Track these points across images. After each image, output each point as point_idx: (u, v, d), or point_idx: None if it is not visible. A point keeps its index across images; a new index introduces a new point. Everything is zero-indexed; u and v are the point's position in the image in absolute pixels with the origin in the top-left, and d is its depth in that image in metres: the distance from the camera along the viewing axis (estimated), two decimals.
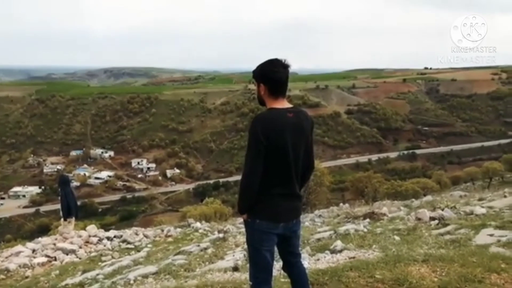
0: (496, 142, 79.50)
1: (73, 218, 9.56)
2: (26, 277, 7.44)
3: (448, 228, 6.13)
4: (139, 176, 76.02)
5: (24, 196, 68.04)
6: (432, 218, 6.94)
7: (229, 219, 13.98)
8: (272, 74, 2.66)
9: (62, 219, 9.53)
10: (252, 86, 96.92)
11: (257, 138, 2.54)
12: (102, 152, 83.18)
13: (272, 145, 2.56)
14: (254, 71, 2.75)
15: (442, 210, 7.45)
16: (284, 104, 2.70)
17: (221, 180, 69.50)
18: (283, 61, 2.67)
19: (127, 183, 73.43)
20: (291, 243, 2.86)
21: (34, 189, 69.26)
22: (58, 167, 76.73)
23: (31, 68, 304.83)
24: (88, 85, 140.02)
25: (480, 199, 9.23)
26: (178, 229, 10.48)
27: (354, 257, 5.01)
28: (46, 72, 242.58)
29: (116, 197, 67.73)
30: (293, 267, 2.92)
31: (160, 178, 74.94)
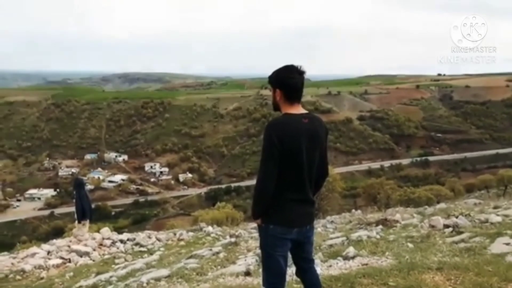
0: (511, 150, 78.09)
1: (87, 221, 9.69)
2: (41, 278, 7.57)
3: (463, 236, 6.05)
4: (152, 180, 76.58)
5: (39, 198, 69.12)
6: (446, 226, 6.86)
7: (240, 223, 14.02)
8: (288, 80, 2.68)
9: (76, 222, 9.66)
10: (264, 92, 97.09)
11: (272, 143, 2.57)
12: (116, 156, 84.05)
13: (287, 151, 2.58)
14: (270, 77, 2.77)
15: (457, 217, 7.35)
16: (299, 110, 2.72)
17: (233, 185, 69.67)
18: (298, 67, 2.70)
19: (140, 187, 74.03)
20: (305, 249, 2.87)
21: (49, 192, 70.37)
22: (73, 170, 77.79)
23: (48, 73, 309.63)
24: (103, 90, 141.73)
25: (495, 207, 9.07)
26: (190, 233, 10.55)
27: (367, 264, 4.99)
28: (62, 77, 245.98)
29: (129, 200, 68.37)
30: (306, 272, 2.93)
31: (172, 182, 75.38)
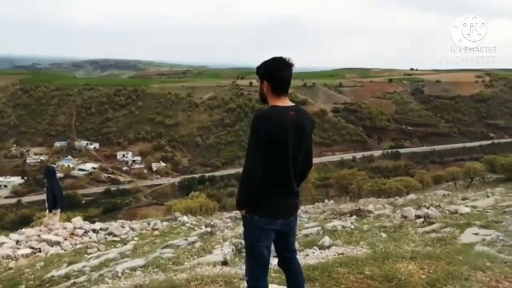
0: (477, 143, 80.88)
1: (59, 210, 9.45)
2: (10, 269, 7.34)
3: (434, 226, 6.25)
4: (124, 168, 75.24)
5: (6, 186, 66.82)
6: (418, 216, 7.07)
7: (214, 213, 13.98)
8: (276, 72, 2.69)
9: (47, 211, 9.40)
10: (240, 82, 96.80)
11: (258, 135, 2.57)
12: (87, 144, 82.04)
13: (273, 143, 2.59)
14: (258, 68, 2.76)
15: (427, 208, 7.59)
16: (286, 102, 2.74)
17: (207, 174, 69.31)
18: (287, 59, 2.70)
19: (112, 176, 72.64)
20: (288, 240, 2.90)
21: (17, 180, 68.04)
22: (42, 157, 75.52)
23: (15, 57, 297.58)
24: (74, 76, 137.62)
25: (463, 199, 9.42)
26: (165, 223, 10.45)
27: (342, 253, 5.08)
28: (31, 61, 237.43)
29: (100, 189, 66.96)
30: (289, 263, 2.97)
31: (145, 171, 74.29)
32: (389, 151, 79.33)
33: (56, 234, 8.92)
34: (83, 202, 59.23)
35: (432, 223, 6.47)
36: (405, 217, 7.16)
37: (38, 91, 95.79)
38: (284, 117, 2.64)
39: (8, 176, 69.23)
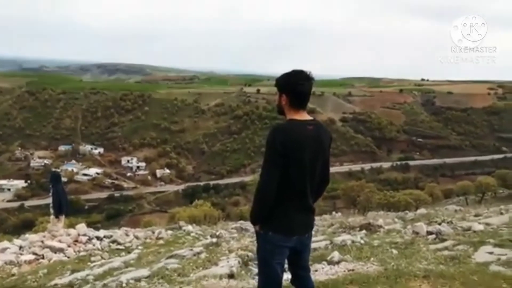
0: (489, 157, 79.22)
1: (63, 216, 9.38)
2: (13, 275, 7.25)
3: (446, 243, 6.09)
4: (128, 174, 75.22)
5: (9, 189, 66.65)
6: (429, 233, 6.90)
7: (218, 222, 13.86)
8: (296, 86, 2.64)
9: (52, 216, 9.33)
10: (248, 89, 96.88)
11: (275, 149, 2.52)
12: (91, 149, 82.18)
13: (290, 157, 2.54)
14: (278, 80, 2.71)
15: (439, 224, 7.43)
16: (304, 116, 2.68)
17: (211, 182, 69.13)
18: (307, 73, 2.65)
19: (116, 181, 72.61)
20: (302, 257, 2.84)
21: (20, 183, 67.94)
22: (46, 161, 75.64)
23: (23, 59, 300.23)
24: (80, 80, 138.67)
25: (476, 215, 9.23)
26: (169, 232, 10.33)
27: (352, 270, 4.95)
28: (38, 64, 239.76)
29: (103, 194, 66.79)
30: (302, 281, 2.89)
31: (149, 177, 74.16)
32: (399, 163, 78.16)
33: (60, 241, 8.84)
34: (86, 207, 59.17)
35: (445, 240, 6.31)
36: (417, 233, 7.00)
37: (44, 94, 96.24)
38: (302, 131, 2.59)
39: (11, 180, 69.16)
